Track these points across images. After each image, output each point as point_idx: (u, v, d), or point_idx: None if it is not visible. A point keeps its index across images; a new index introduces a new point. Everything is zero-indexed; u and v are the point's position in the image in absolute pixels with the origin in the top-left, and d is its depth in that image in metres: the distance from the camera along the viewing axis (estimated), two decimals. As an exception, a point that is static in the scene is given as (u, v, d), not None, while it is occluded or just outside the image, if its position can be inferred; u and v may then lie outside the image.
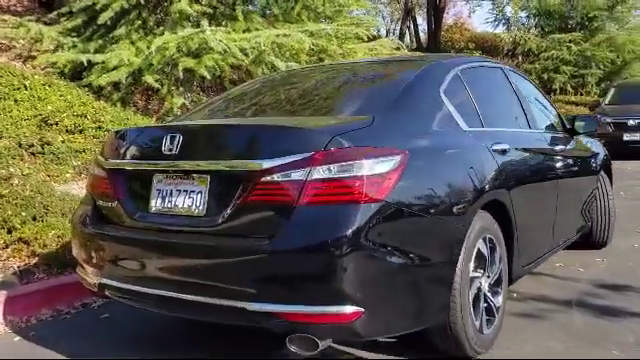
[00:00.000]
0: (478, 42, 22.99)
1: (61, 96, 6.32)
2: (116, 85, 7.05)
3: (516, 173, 3.17)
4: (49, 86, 6.41)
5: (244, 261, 2.28)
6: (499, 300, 2.94)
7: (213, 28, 6.81)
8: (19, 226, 4.20)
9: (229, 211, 2.37)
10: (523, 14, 21.04)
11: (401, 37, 24.20)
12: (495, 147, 3.02)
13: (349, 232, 2.17)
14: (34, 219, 4.31)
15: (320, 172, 2.24)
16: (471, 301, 2.67)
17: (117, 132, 2.98)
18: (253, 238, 2.30)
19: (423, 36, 25.96)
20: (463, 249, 2.60)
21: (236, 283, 2.30)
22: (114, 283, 2.71)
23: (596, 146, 4.84)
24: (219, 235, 2.39)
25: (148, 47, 6.80)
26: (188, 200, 2.51)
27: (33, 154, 5.47)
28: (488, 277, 2.87)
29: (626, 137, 11.47)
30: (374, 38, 10.06)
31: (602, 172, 4.75)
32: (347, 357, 2.89)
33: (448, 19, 27.00)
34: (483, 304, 2.81)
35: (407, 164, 2.37)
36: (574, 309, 3.49)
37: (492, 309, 2.88)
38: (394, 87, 2.93)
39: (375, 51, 8.96)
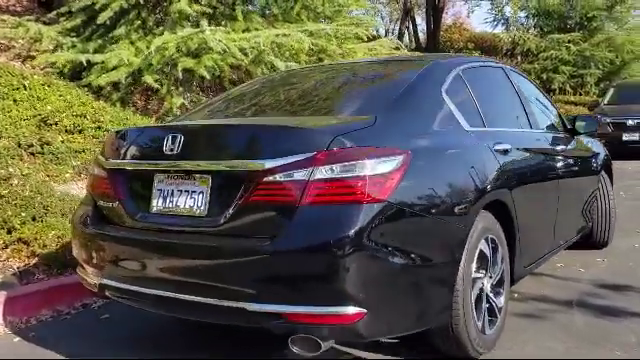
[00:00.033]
0: (477, 42, 23.00)
1: (60, 96, 6.30)
2: (115, 85, 7.03)
3: (518, 173, 3.17)
4: (48, 86, 6.39)
5: (246, 261, 2.27)
6: (501, 301, 2.93)
7: (212, 28, 6.79)
8: (19, 226, 4.19)
9: (231, 211, 2.36)
10: (522, 14, 21.08)
11: (400, 37, 24.19)
12: (497, 147, 3.01)
13: (352, 232, 2.17)
14: (34, 219, 4.30)
15: (322, 172, 2.24)
16: (473, 302, 2.66)
17: (118, 132, 2.97)
18: (255, 238, 2.29)
19: (422, 36, 25.95)
20: (465, 249, 2.59)
21: (238, 283, 2.29)
22: (115, 284, 2.70)
23: (597, 146, 4.84)
24: (221, 235, 2.38)
25: (148, 47, 6.78)
26: (190, 200, 2.50)
27: (32, 154, 5.46)
28: (490, 278, 2.87)
29: (625, 137, 11.48)
30: (374, 38, 10.05)
31: (603, 172, 4.75)
32: (347, 357, 2.88)
33: (447, 19, 27.03)
34: (485, 305, 2.80)
35: (409, 164, 2.37)
36: (575, 309, 3.48)
37: (494, 310, 2.88)
38: (396, 87, 2.92)
39: (375, 51, 8.95)
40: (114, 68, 6.75)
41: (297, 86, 3.45)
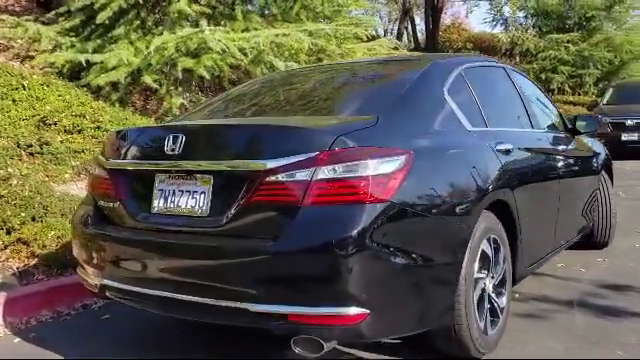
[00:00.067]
0: (476, 42, 23.02)
1: (59, 96, 6.29)
2: (115, 85, 7.01)
3: (520, 173, 3.17)
4: (47, 86, 6.38)
5: (248, 262, 2.27)
6: (503, 301, 2.93)
7: (212, 28, 6.78)
8: (18, 227, 4.17)
9: (233, 211, 2.35)
10: (521, 14, 21.08)
11: (399, 37, 24.22)
12: (499, 147, 3.01)
13: (354, 233, 2.16)
14: (33, 220, 4.29)
15: (325, 172, 2.23)
16: (476, 302, 2.66)
17: (118, 132, 2.96)
18: (257, 239, 2.29)
19: (421, 36, 25.96)
20: (468, 250, 2.58)
21: (240, 284, 2.28)
22: (116, 284, 2.69)
23: (597, 146, 4.84)
24: (223, 236, 2.37)
25: (147, 47, 6.76)
26: (191, 200, 2.49)
27: (32, 154, 5.44)
28: (492, 278, 2.86)
29: (624, 137, 11.49)
30: (373, 38, 10.04)
31: (603, 172, 4.75)
32: (347, 357, 2.88)
33: (446, 19, 27.03)
34: (487, 305, 2.79)
35: (412, 164, 2.36)
36: (576, 309, 3.48)
37: (496, 310, 2.87)
38: (397, 87, 2.91)
39: (374, 51, 8.94)
40: (113, 68, 6.73)
41: (298, 86, 3.44)
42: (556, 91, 18.54)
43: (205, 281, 2.39)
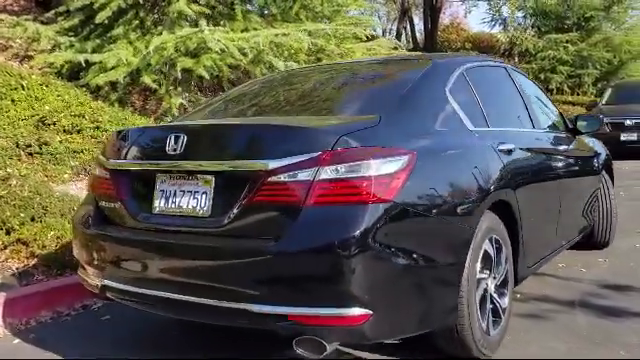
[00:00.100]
0: (474, 42, 23.01)
1: (58, 96, 6.28)
2: (114, 85, 7.00)
3: (521, 173, 3.16)
4: (46, 86, 6.37)
5: (250, 262, 2.25)
6: (505, 301, 2.92)
7: (211, 28, 6.77)
8: (18, 227, 4.16)
9: (235, 212, 2.34)
10: (520, 14, 21.07)
11: (398, 37, 24.22)
12: (501, 147, 3.00)
13: (357, 233, 2.15)
14: (33, 220, 4.27)
15: (328, 172, 2.22)
16: (478, 302, 2.65)
17: (119, 132, 2.94)
18: (259, 239, 2.28)
19: (419, 36, 25.96)
20: (470, 250, 2.57)
21: (242, 285, 2.27)
22: (116, 285, 2.68)
23: (598, 146, 4.83)
24: (225, 236, 2.36)
25: (146, 47, 6.75)
26: (192, 201, 2.48)
27: (31, 154, 5.43)
28: (494, 278, 2.85)
29: (623, 137, 11.49)
30: (372, 38, 10.04)
31: (604, 172, 4.74)
32: (348, 357, 2.87)
33: (444, 19, 27.02)
34: (489, 305, 2.79)
35: (415, 164, 2.35)
36: (577, 310, 3.48)
37: (498, 310, 2.86)
38: (399, 86, 2.90)
39: (373, 51, 8.94)
40: (112, 68, 6.72)
41: (300, 86, 3.43)
42: (555, 91, 18.53)
43: (206, 282, 2.38)
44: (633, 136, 11.51)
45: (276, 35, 7.11)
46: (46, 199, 4.45)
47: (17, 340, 3.27)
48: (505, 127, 3.33)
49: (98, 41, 7.19)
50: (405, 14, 25.41)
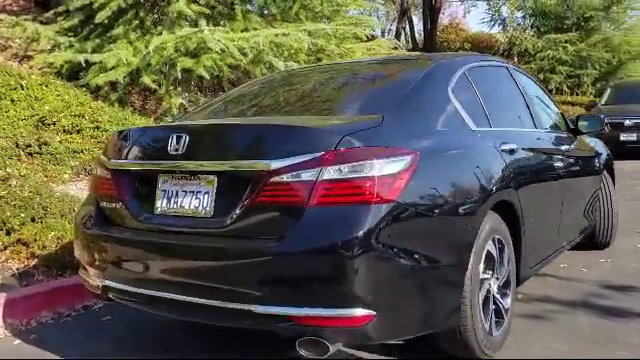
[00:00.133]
0: (474, 42, 23.00)
1: (58, 96, 6.26)
2: (113, 85, 6.98)
3: (524, 173, 3.15)
4: (46, 86, 6.35)
5: (253, 263, 2.24)
6: (507, 302, 2.91)
7: (211, 28, 6.75)
8: (18, 227, 4.15)
9: (237, 212, 2.33)
10: (519, 14, 21.08)
11: (397, 37, 24.20)
12: (503, 147, 2.99)
13: (360, 233, 2.14)
14: (33, 220, 4.26)
15: (331, 172, 2.21)
16: (481, 303, 2.64)
17: (120, 132, 2.93)
18: (262, 239, 2.27)
19: (419, 36, 25.94)
20: (473, 250, 2.57)
21: (244, 285, 2.26)
22: (118, 285, 2.67)
23: (599, 146, 4.83)
24: (227, 236, 2.35)
25: (146, 47, 6.72)
26: (195, 201, 2.47)
27: (30, 154, 5.41)
28: (497, 279, 2.85)
29: (623, 137, 11.49)
30: (372, 38, 10.03)
31: (605, 172, 4.74)
32: (347, 357, 2.85)
33: (444, 19, 27.02)
34: (492, 306, 2.78)
35: (418, 164, 2.34)
36: (579, 310, 3.47)
37: (501, 311, 2.85)
38: (402, 86, 2.89)
39: (373, 51, 8.92)
40: (112, 68, 6.69)
41: (302, 86, 3.42)
42: (554, 91, 18.52)
43: (209, 282, 2.36)
44: (632, 136, 11.52)
45: (276, 35, 7.10)
46: (46, 199, 4.44)
47: (18, 341, 3.26)
48: (507, 127, 3.33)
49: (98, 41, 7.16)
50: (404, 14, 25.41)
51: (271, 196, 2.27)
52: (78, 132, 5.86)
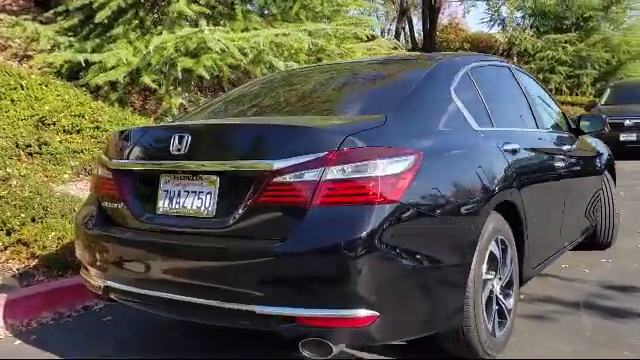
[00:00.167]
0: (473, 42, 23.02)
1: (58, 96, 6.24)
2: (113, 85, 6.97)
3: (526, 173, 3.14)
4: (46, 86, 6.33)
5: (255, 263, 2.23)
6: (510, 302, 2.91)
7: (211, 28, 6.73)
8: (18, 228, 4.14)
9: (240, 212, 2.31)
10: (518, 14, 21.09)
11: (396, 37, 24.22)
12: (506, 147, 2.99)
13: (363, 234, 2.13)
14: (33, 220, 4.25)
15: (334, 172, 2.20)
16: (484, 304, 2.63)
17: (122, 132, 2.92)
18: (265, 240, 2.26)
19: (418, 36, 25.95)
20: (477, 251, 2.56)
21: (247, 286, 2.25)
22: (120, 286, 2.65)
23: (600, 146, 4.83)
24: (230, 237, 2.34)
25: (146, 47, 6.71)
26: (197, 201, 2.46)
27: (30, 154, 5.40)
28: (500, 279, 2.84)
29: (623, 137, 11.49)
30: (372, 38, 10.02)
31: (606, 172, 4.74)
32: (348, 357, 2.84)
33: (443, 19, 27.03)
34: (495, 307, 2.77)
35: (421, 164, 2.33)
36: (582, 310, 3.47)
37: (504, 311, 2.85)
38: (404, 86, 2.88)
39: (373, 51, 8.92)
40: (112, 68, 6.68)
41: (303, 86, 3.41)
42: (554, 91, 18.52)
43: (211, 283, 2.35)
44: (632, 136, 11.52)
45: (276, 35, 7.08)
46: (46, 199, 4.43)
47: (18, 341, 3.25)
48: (509, 127, 3.32)
49: (98, 41, 7.15)
50: (404, 14, 25.41)
51: (274, 196, 2.26)
52: (78, 132, 5.85)
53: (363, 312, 2.15)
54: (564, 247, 3.94)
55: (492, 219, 2.70)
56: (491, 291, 2.74)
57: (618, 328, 3.17)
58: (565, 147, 3.92)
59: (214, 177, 2.44)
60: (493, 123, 3.10)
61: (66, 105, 6.09)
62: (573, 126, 4.34)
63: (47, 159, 5.40)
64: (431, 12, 22.70)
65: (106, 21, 7.01)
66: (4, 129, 5.52)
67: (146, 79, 6.70)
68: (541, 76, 18.40)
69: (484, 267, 2.64)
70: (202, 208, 2.44)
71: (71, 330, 3.41)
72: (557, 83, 18.67)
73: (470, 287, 2.52)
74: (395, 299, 2.25)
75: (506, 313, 2.86)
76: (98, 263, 2.74)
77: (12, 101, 5.94)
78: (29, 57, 7.12)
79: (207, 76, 6.86)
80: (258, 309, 2.23)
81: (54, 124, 5.78)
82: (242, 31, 7.41)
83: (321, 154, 2.22)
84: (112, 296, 2.75)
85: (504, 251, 2.85)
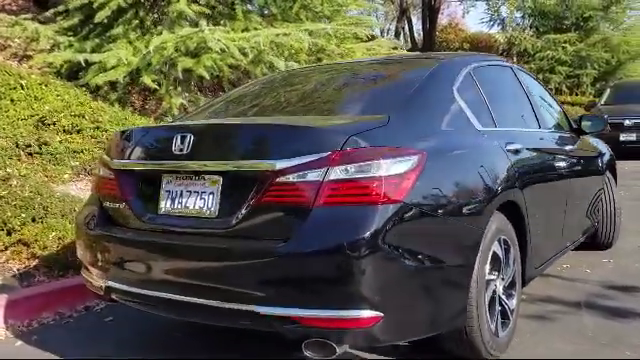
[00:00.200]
0: (473, 42, 23.03)
1: (58, 96, 6.23)
2: (113, 85, 6.95)
3: (529, 173, 3.14)
4: (46, 86, 6.32)
5: (258, 263, 2.22)
6: (513, 302, 2.90)
7: (211, 27, 6.72)
8: (19, 228, 4.13)
9: (243, 212, 2.30)
10: (518, 14, 21.09)
11: (396, 36, 24.25)
12: (509, 147, 2.98)
13: (367, 234, 2.12)
14: (33, 220, 4.24)
15: (337, 173, 2.19)
16: (487, 304, 2.63)
17: (123, 132, 2.91)
18: (267, 240, 2.24)
19: (418, 36, 25.95)
20: (480, 251, 2.55)
21: (250, 286, 2.24)
22: (121, 286, 2.64)
23: (602, 146, 4.83)
24: (232, 237, 2.33)
25: (146, 47, 6.70)
26: (199, 201, 2.45)
27: (30, 154, 5.38)
28: (503, 279, 2.83)
29: (622, 137, 11.49)
30: (372, 38, 10.02)
31: (607, 172, 4.74)
32: (351, 357, 2.84)
33: (443, 19, 27.03)
34: (498, 307, 2.77)
35: (424, 164, 2.32)
36: (584, 310, 3.47)
37: (506, 312, 2.84)
38: (407, 86, 2.87)
39: (373, 51, 8.91)
40: (112, 68, 6.66)
41: (306, 86, 3.41)
42: (554, 91, 18.54)
43: (213, 283, 2.34)
44: (632, 136, 11.54)
45: (277, 35, 7.07)
46: (47, 199, 4.42)
47: (19, 342, 3.24)
48: (512, 127, 3.32)
49: (97, 41, 7.13)
50: (403, 14, 25.41)
51: (277, 196, 2.25)
52: (78, 132, 5.83)
53: (367, 313, 2.14)
54: (566, 247, 3.94)
55: (495, 219, 2.69)
56: (494, 291, 2.74)
57: (620, 328, 3.17)
58: (567, 147, 3.92)
59: (216, 177, 2.43)
60: (496, 123, 3.09)
61: (66, 105, 6.07)
62: (574, 126, 4.34)
63: (47, 159, 5.39)
64: (431, 12, 22.70)
65: (106, 21, 6.99)
66: (4, 129, 5.50)
67: (146, 79, 6.69)
68: (541, 76, 18.41)
69: (487, 267, 2.63)
70: (204, 208, 2.43)
71: (72, 330, 3.40)
72: (557, 83, 18.69)
73: (473, 287, 2.51)
74: (399, 300, 2.24)
75: (509, 313, 2.85)
76: (99, 263, 2.73)
77: (12, 101, 5.92)
78: (29, 57, 7.11)
79: (207, 76, 6.85)
80: (261, 310, 2.22)
81: (54, 124, 5.77)
82: (242, 31, 7.41)
83: (324, 154, 2.21)
84: (113, 296, 2.74)
85: (507, 251, 2.85)
